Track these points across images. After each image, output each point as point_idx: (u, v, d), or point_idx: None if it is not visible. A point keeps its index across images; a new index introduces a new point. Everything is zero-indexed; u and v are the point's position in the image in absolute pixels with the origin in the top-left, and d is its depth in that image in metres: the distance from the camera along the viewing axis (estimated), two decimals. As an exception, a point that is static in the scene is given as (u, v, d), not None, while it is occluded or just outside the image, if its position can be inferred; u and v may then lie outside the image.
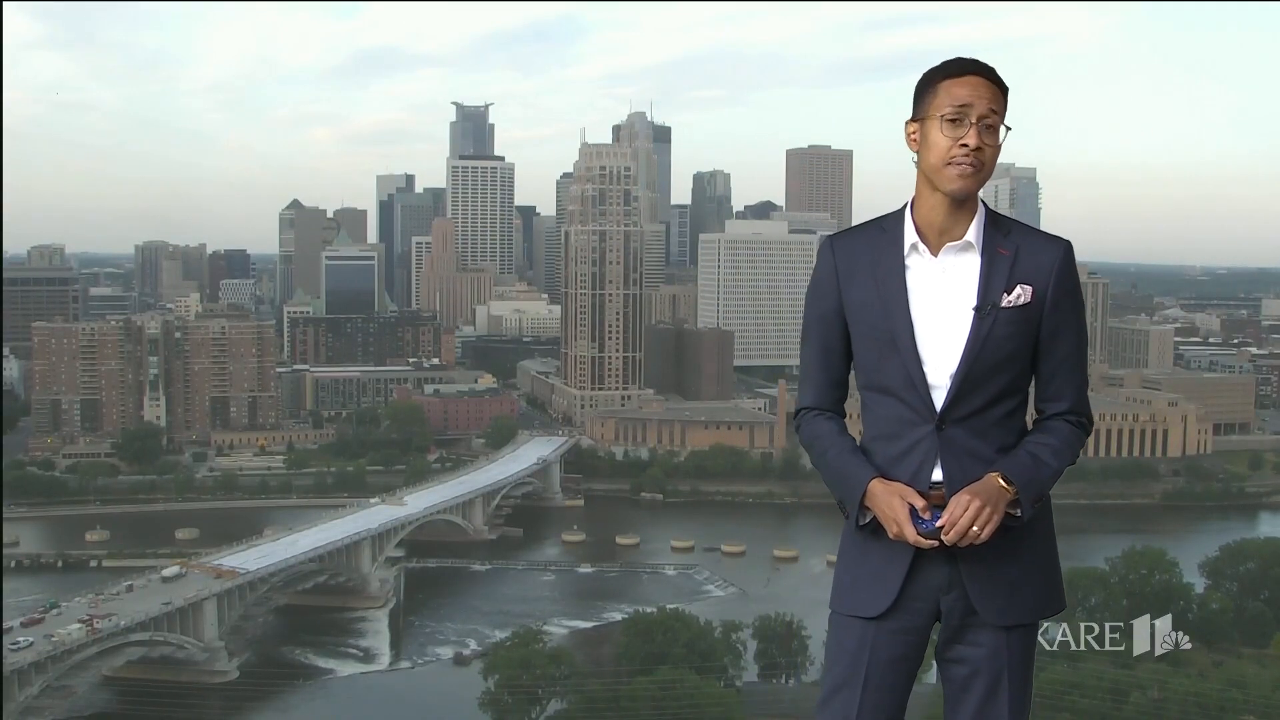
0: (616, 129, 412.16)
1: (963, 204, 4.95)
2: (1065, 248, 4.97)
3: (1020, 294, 4.87)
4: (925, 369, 4.92)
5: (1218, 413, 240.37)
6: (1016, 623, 5.04)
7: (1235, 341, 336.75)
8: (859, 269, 5.09)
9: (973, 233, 4.95)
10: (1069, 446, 5.01)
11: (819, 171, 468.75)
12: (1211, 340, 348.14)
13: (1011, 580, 5.00)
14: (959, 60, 4.90)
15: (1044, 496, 4.99)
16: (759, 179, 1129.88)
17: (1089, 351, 5.20)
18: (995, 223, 4.99)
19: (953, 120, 4.81)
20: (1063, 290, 4.94)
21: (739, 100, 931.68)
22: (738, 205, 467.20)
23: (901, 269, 4.98)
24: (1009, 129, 4.91)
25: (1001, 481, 4.82)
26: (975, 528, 4.75)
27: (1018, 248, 4.94)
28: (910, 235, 5.00)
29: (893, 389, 5.01)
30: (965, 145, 4.82)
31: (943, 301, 4.93)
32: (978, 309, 4.88)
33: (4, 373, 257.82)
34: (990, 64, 4.93)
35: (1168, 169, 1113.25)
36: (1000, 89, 4.88)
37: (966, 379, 4.89)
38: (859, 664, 5.12)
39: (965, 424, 4.93)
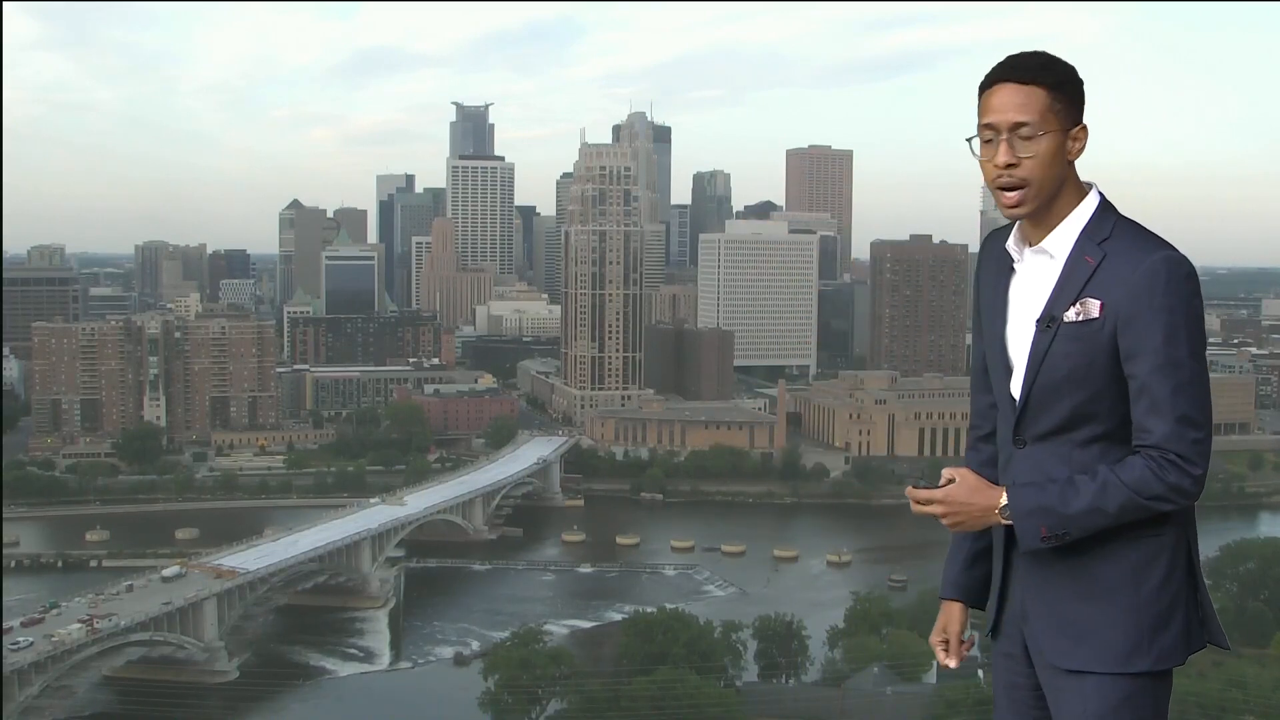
0: (616, 129, 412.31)
1: (1055, 201, 4.53)
2: (1157, 259, 4.27)
3: (1081, 309, 4.37)
4: (1011, 381, 4.63)
5: (1218, 413, 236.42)
6: (1085, 669, 4.49)
7: (1235, 341, 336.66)
8: (989, 270, 4.83)
9: (1055, 237, 4.52)
10: (1124, 487, 4.29)
11: (819, 171, 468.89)
12: (1211, 340, 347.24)
13: (1079, 620, 4.52)
14: (996, 67, 4.48)
15: (1068, 534, 4.39)
16: (759, 179, 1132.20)
17: (1198, 383, 4.29)
18: (1098, 224, 4.47)
19: (987, 141, 4.50)
20: (1139, 306, 4.25)
21: (739, 100, 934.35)
22: (738, 205, 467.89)
23: (1009, 272, 4.70)
24: (1073, 130, 4.45)
25: (1002, 501, 4.46)
26: (938, 516, 4.57)
27: (1105, 255, 4.37)
28: (1014, 237, 4.70)
29: (999, 399, 4.74)
30: (998, 165, 4.47)
31: (1026, 310, 4.59)
32: (1039, 321, 4.49)
33: (4, 373, 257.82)
34: (1035, 56, 4.44)
35: (1168, 169, 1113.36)
36: (1043, 86, 4.41)
37: (1031, 396, 4.53)
38: (994, 684, 5.03)
39: (1046, 444, 4.54)
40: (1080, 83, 4.46)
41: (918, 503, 4.57)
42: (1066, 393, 4.45)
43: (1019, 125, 4.40)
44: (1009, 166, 4.45)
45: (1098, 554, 4.45)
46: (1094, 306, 4.34)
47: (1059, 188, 4.50)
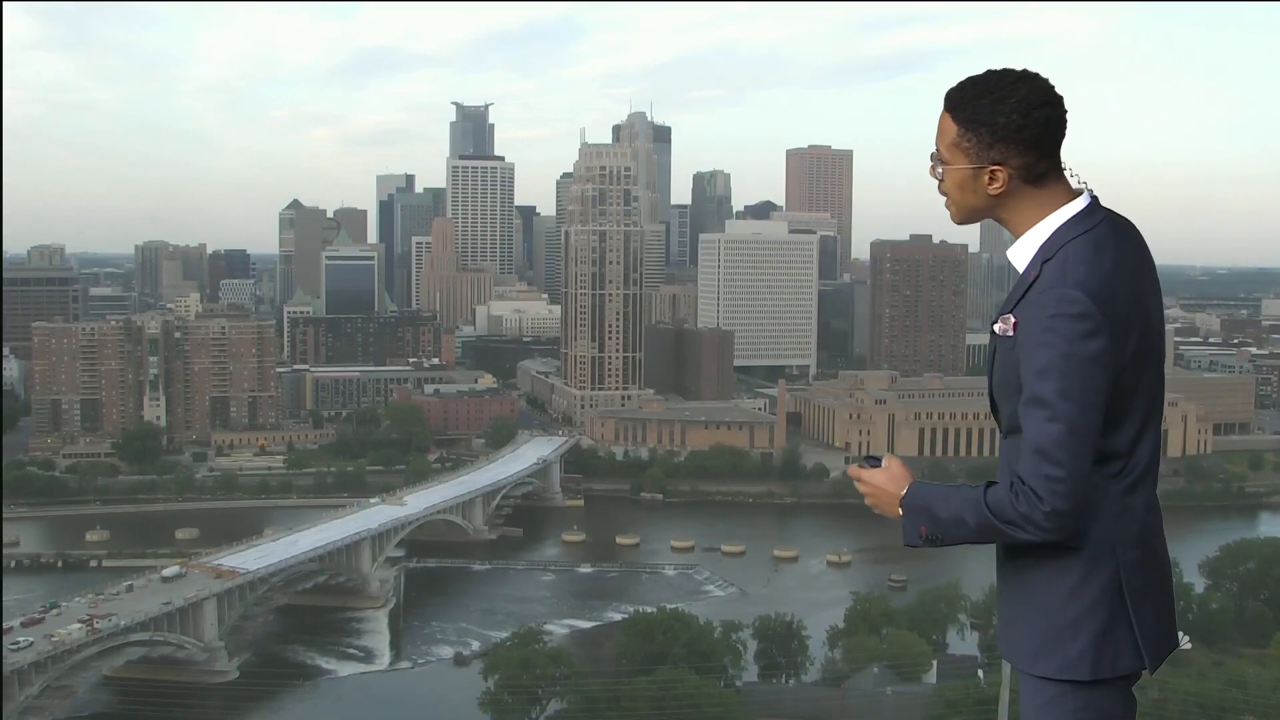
0: (616, 129, 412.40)
1: (1009, 220, 4.56)
2: (1053, 294, 4.23)
3: (1004, 325, 4.40)
4: None
5: (1218, 413, 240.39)
6: (1013, 663, 4.67)
7: (1235, 341, 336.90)
8: None
9: (1015, 249, 4.52)
10: (984, 506, 4.32)
11: (819, 171, 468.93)
12: (1211, 340, 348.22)
13: (1005, 615, 4.71)
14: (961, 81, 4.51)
15: (941, 539, 4.49)
16: (759, 179, 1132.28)
17: (1063, 421, 4.18)
18: (1054, 241, 4.39)
19: None
20: (1030, 335, 4.27)
21: (739, 100, 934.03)
22: (738, 205, 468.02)
23: None
24: (986, 169, 4.43)
25: (903, 492, 4.58)
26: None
27: (1039, 275, 4.33)
28: None
29: None
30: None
31: None
32: (990, 326, 4.55)
33: (4, 373, 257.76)
34: (978, 85, 4.38)
35: (1168, 169, 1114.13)
36: (956, 120, 4.41)
37: (990, 397, 4.65)
38: None
39: (1005, 441, 4.60)
40: (1013, 124, 4.30)
41: (855, 479, 4.76)
42: (1001, 401, 4.54)
43: (939, 149, 4.53)
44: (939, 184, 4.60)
45: (1026, 556, 4.51)
46: (1012, 325, 4.36)
47: (995, 208, 4.54)
